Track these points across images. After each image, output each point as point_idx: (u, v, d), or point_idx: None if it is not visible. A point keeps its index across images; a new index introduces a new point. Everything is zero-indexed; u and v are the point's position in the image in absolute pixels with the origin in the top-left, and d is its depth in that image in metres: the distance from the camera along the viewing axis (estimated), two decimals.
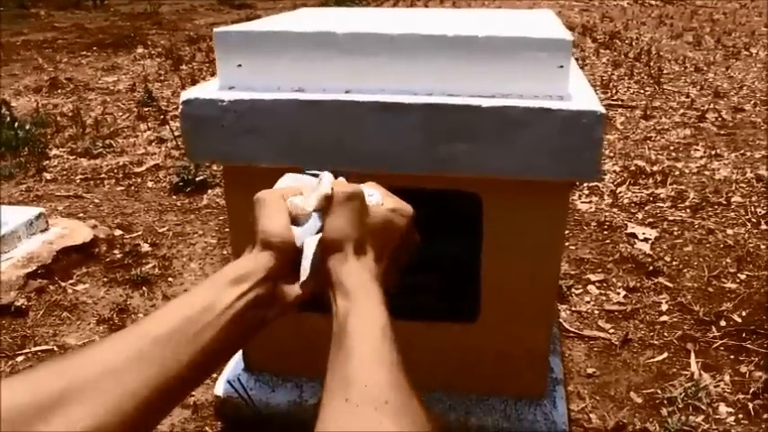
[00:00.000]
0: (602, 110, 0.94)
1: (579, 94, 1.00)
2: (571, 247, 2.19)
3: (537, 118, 0.95)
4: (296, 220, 0.55)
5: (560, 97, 0.98)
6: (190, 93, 1.03)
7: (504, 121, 0.96)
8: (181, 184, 2.71)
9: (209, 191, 2.69)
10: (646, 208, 2.47)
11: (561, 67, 0.97)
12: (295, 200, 0.56)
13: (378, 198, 0.58)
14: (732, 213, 2.40)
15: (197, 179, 2.71)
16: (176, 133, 3.26)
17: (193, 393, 1.43)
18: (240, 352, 1.33)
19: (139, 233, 2.34)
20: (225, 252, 2.17)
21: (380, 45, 0.99)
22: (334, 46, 1.00)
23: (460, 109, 0.97)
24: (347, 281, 0.49)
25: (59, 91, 4.40)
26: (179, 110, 1.04)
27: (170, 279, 2.03)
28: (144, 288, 1.98)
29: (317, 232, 0.53)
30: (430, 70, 0.99)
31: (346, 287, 0.48)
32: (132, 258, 2.14)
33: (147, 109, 3.86)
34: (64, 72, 4.93)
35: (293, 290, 0.51)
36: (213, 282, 0.49)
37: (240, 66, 1.04)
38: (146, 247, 2.23)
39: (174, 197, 2.65)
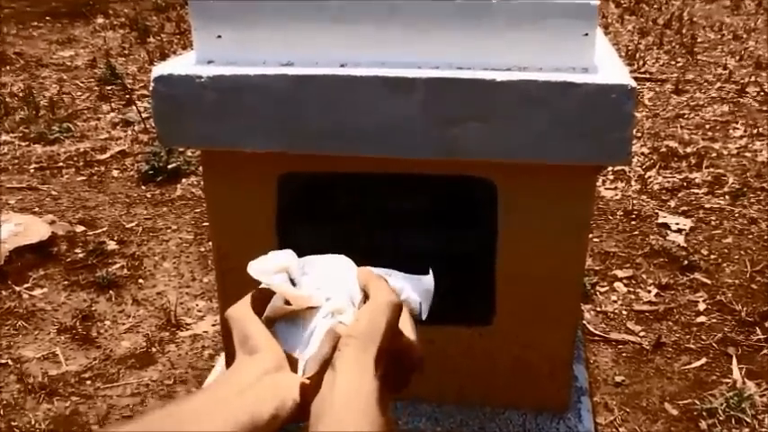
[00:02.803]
0: (633, 83, 0.94)
1: (606, 66, 1.00)
2: (595, 240, 2.20)
3: (559, 93, 0.95)
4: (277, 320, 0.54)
5: (585, 69, 0.98)
6: (162, 68, 1.03)
7: (522, 97, 0.96)
8: (151, 172, 2.71)
9: (184, 180, 2.69)
10: (679, 195, 2.48)
11: (586, 35, 0.96)
12: (276, 303, 0.54)
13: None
14: None
15: (169, 167, 2.71)
16: (145, 115, 3.26)
17: None
18: None
19: (104, 229, 2.34)
20: (202, 249, 2.18)
21: (380, 12, 0.98)
22: (327, 13, 1.00)
23: (472, 84, 0.96)
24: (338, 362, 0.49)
25: (8, 68, 4.38)
26: (149, 88, 1.03)
27: (140, 281, 2.04)
28: (111, 292, 1.99)
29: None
30: (436, 40, 0.99)
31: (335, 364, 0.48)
32: (97, 258, 2.14)
33: (109, 87, 3.85)
34: (12, 46, 4.90)
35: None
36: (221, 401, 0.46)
37: (220, 37, 1.03)
38: (112, 245, 2.23)
39: (144, 187, 2.65)
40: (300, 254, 0.57)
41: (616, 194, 2.50)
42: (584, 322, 1.79)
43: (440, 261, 1.14)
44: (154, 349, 1.77)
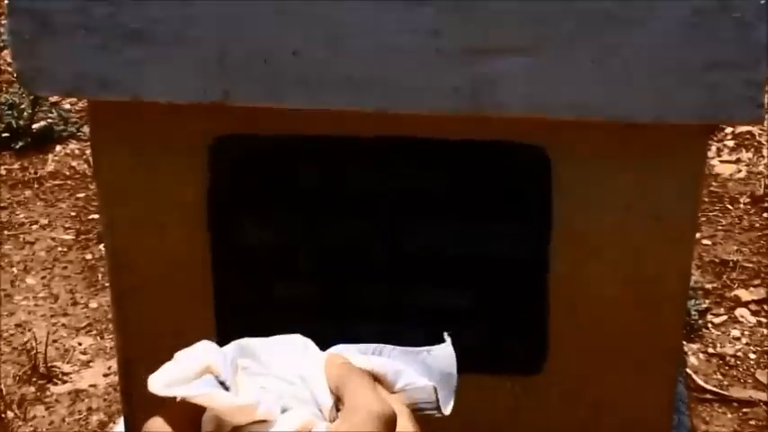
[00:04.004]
0: None
1: None
2: (705, 242, 2.20)
3: (652, 10, 0.95)
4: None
5: None
6: None
7: (594, 15, 0.96)
8: (6, 135, 2.70)
9: (59, 147, 2.69)
10: None
11: None
12: (209, 420, 0.54)
13: None
14: None
15: (35, 127, 2.71)
16: None
17: None
18: None
19: None
20: (89, 257, 2.18)
21: None
22: None
23: None
24: None
25: None
26: (4, 2, 1.05)
27: None
28: None
29: None
30: None
31: None
32: None
33: None
34: None
35: None
36: None
37: None
38: None
39: None
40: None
41: (738, 171, 2.50)
42: (689, 371, 1.78)
43: (463, 277, 1.18)
44: (10, 414, 1.75)
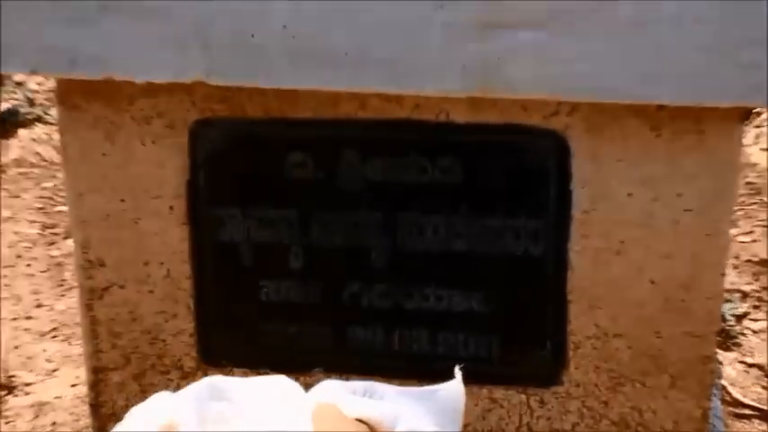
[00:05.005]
0: None
1: None
2: (741, 239, 2.20)
3: None
4: None
5: None
6: None
7: None
8: None
9: (24, 132, 2.69)
10: None
11: None
12: None
13: None
14: None
15: None
16: None
17: None
18: None
19: None
20: (54, 253, 2.18)
21: None
22: None
23: None
24: None
25: None
26: None
27: None
28: None
29: None
30: None
31: None
32: None
33: None
34: None
35: None
36: None
37: None
38: None
39: None
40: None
41: None
42: (725, 383, 1.77)
43: (464, 273, 1.17)
44: None
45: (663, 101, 1.03)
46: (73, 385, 1.83)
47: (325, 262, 1.19)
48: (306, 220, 1.17)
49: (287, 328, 1.22)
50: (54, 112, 2.27)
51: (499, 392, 1.21)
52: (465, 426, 1.12)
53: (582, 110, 1.07)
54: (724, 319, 1.88)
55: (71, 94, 1.16)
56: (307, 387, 0.57)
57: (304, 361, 1.18)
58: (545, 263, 1.16)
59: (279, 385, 0.57)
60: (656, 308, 1.15)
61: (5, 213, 2.36)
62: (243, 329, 1.23)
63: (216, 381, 0.55)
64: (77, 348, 1.89)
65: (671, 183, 1.10)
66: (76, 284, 1.27)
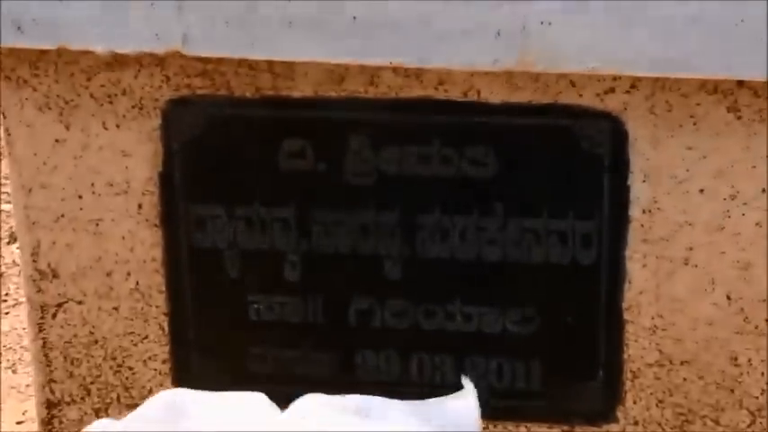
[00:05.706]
0: None
1: None
2: None
3: None
4: None
5: None
6: None
7: None
8: None
9: None
10: None
11: None
12: None
13: None
14: None
15: None
16: None
17: None
18: None
19: None
20: None
21: None
22: None
23: None
24: None
25: None
26: None
27: None
28: None
29: None
30: None
31: None
32: None
33: None
34: None
35: None
36: None
37: None
38: None
39: None
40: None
41: None
42: None
43: (497, 286, 1.17)
44: None
45: (744, 76, 1.00)
46: (19, 422, 1.85)
47: (327, 273, 1.18)
48: (304, 221, 1.15)
49: (281, 354, 1.21)
50: None
51: (541, 431, 1.20)
52: None
53: (644, 87, 1.04)
54: None
55: (16, 68, 1.14)
56: None
57: (302, 393, 1.12)
58: (597, 274, 1.13)
59: (248, 402, 0.58)
60: (732, 329, 1.11)
61: None
62: (228, 355, 1.22)
63: (175, 397, 0.57)
64: (25, 378, 1.91)
65: (752, 178, 1.06)
66: (23, 300, 1.27)
